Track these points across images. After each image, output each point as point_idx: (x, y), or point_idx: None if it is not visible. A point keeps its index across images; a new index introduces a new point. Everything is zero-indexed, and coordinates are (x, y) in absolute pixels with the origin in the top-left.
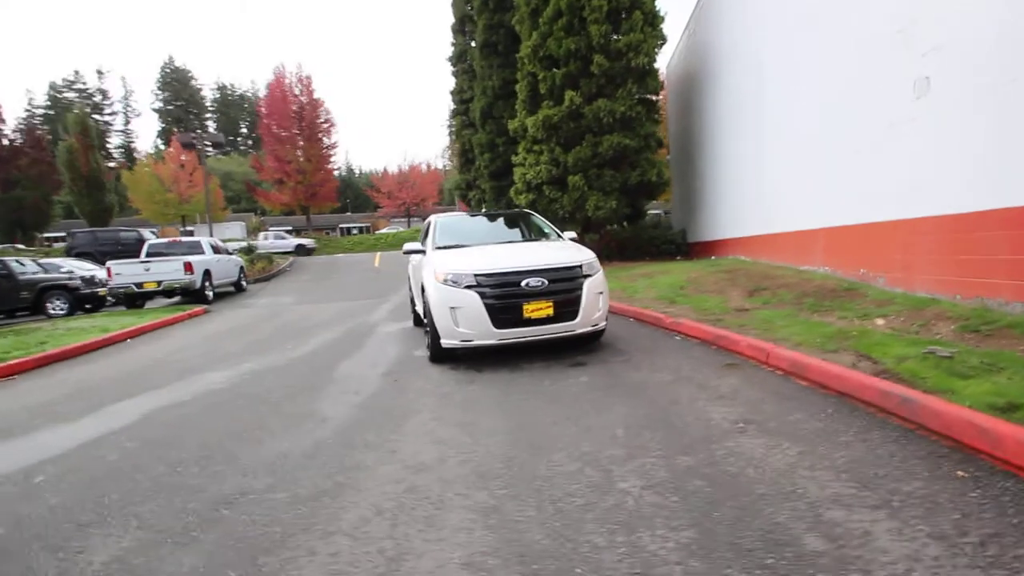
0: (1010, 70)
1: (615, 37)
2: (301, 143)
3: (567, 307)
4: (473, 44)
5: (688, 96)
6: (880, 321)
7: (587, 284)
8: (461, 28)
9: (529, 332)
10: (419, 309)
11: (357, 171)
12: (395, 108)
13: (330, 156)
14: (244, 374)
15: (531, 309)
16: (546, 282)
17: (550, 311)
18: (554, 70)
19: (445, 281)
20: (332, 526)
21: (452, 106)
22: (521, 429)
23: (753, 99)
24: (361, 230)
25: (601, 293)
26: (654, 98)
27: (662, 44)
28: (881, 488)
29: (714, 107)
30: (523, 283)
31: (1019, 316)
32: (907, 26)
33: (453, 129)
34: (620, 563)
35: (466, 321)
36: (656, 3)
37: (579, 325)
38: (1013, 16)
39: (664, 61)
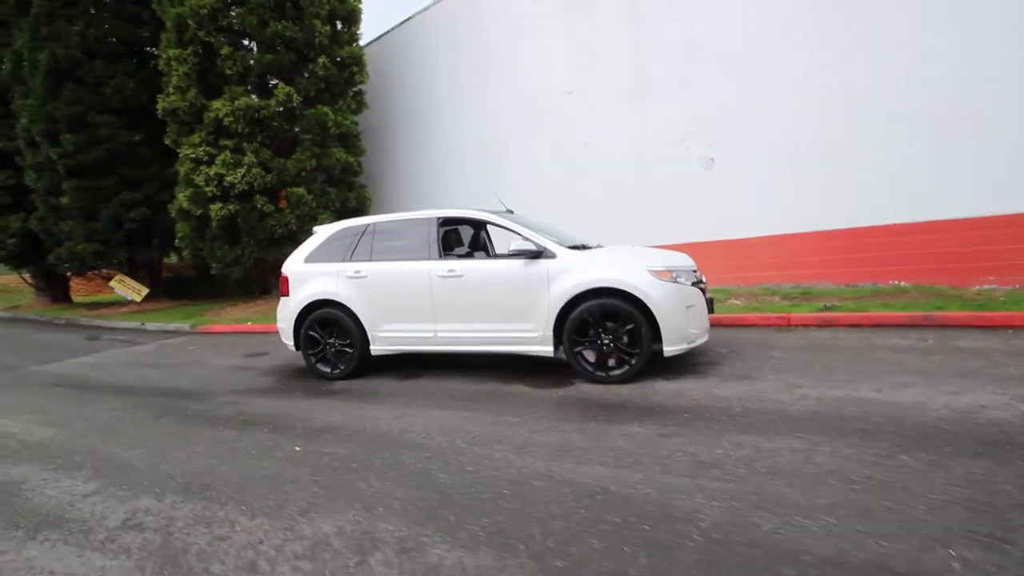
0: (770, 156)
1: (337, 44)
2: None
3: None
4: None
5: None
6: (737, 301)
7: None
8: None
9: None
10: (493, 334)
11: None
12: None
13: None
14: None
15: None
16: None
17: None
18: (253, 51)
19: (671, 279)
20: None
21: None
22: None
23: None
24: None
25: None
26: (356, 121)
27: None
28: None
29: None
30: (702, 281)
31: (819, 288)
32: (690, 120)
33: None
34: None
35: (695, 320)
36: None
37: None
38: (770, 120)
39: None
